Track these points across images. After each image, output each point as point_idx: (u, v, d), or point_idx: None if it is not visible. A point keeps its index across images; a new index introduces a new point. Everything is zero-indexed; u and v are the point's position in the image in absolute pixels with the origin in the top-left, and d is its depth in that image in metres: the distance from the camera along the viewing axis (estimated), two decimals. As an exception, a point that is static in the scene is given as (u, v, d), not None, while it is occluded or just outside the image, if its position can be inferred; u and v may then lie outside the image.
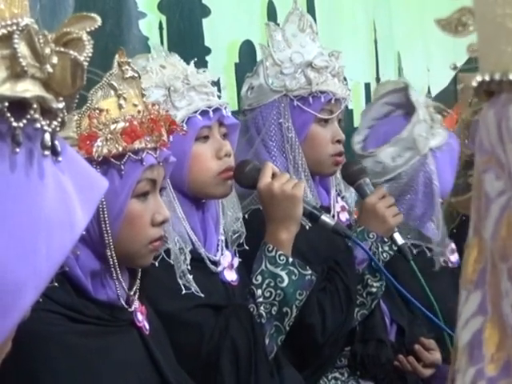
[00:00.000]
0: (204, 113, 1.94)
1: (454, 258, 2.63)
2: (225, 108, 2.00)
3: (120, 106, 1.59)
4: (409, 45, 3.87)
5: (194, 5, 2.84)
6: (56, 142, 0.64)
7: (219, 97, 2.02)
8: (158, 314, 1.80)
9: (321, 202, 2.28)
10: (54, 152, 0.63)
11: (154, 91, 1.92)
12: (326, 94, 2.24)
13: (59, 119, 0.63)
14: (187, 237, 1.93)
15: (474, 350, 0.66)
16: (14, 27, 0.60)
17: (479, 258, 0.68)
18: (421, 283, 2.20)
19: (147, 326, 1.70)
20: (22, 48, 0.60)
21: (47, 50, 0.61)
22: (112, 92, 1.59)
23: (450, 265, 2.61)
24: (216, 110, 1.96)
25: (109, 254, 1.60)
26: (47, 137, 0.62)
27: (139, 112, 1.60)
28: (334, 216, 2.30)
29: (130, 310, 1.66)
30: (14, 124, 0.60)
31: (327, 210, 2.28)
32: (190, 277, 1.89)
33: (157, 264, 1.85)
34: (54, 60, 0.62)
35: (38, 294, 0.66)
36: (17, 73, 0.60)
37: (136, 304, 1.70)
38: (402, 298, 2.32)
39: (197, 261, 1.94)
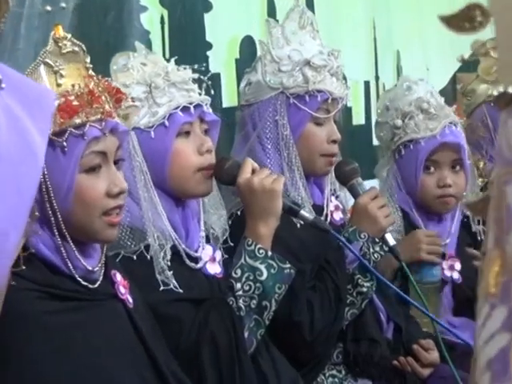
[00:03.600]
0: (185, 109, 1.93)
1: None
2: (206, 104, 1.98)
3: (58, 84, 1.58)
4: (408, 44, 3.90)
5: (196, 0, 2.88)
6: None
7: (200, 94, 1.99)
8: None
9: (314, 201, 2.27)
10: None
11: (135, 88, 1.92)
12: (322, 93, 2.23)
13: None
14: (167, 233, 1.91)
15: (499, 367, 0.65)
16: None
17: (502, 272, 0.68)
18: (412, 284, 2.21)
19: (130, 300, 1.71)
20: None
21: None
22: (48, 70, 1.58)
23: None
24: (197, 106, 1.95)
25: (64, 231, 1.58)
26: None
27: (73, 86, 1.58)
28: (327, 215, 2.30)
29: (105, 283, 1.66)
30: None
31: (321, 209, 2.28)
32: (170, 273, 1.88)
33: (135, 258, 1.86)
34: None
35: (20, 234, 0.65)
36: None
37: (117, 277, 1.71)
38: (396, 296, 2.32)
39: (179, 256, 1.94)
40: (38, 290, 1.54)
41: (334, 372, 2.26)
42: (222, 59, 2.89)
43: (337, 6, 3.34)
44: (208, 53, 2.83)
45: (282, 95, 2.24)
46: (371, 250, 2.19)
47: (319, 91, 2.22)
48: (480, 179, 2.80)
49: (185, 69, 2.02)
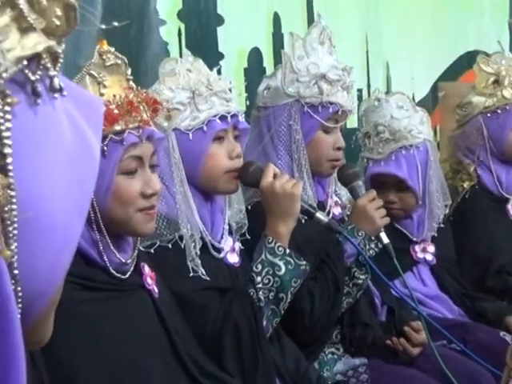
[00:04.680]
0: (223, 117, 1.93)
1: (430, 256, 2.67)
2: (241, 115, 1.99)
3: (100, 93, 1.56)
4: (396, 56, 3.91)
5: (210, 14, 2.85)
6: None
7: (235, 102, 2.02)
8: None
9: (317, 197, 2.26)
10: (60, 89, 0.61)
11: (180, 93, 1.91)
12: (334, 105, 2.22)
13: (61, 60, 0.61)
14: (197, 225, 1.91)
15: None
16: None
17: None
18: (402, 278, 2.25)
19: (156, 290, 1.69)
20: (24, 5, 0.57)
21: (43, 1, 0.59)
22: (92, 80, 1.57)
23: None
24: (233, 115, 1.95)
25: (102, 226, 1.58)
26: (56, 81, 0.61)
27: (115, 96, 1.56)
28: (328, 209, 2.29)
29: (134, 274, 1.64)
30: (33, 78, 0.59)
31: (322, 204, 2.28)
32: (199, 261, 1.88)
33: (170, 246, 1.86)
34: (58, 12, 0.59)
35: (83, 224, 0.66)
36: (24, 29, 0.57)
37: (146, 270, 1.69)
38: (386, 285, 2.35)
39: (205, 246, 1.93)
40: (73, 282, 1.51)
41: (333, 350, 2.27)
42: (232, 68, 2.91)
43: (335, 23, 3.27)
44: (220, 62, 2.81)
45: (297, 103, 2.23)
46: (367, 246, 2.20)
47: (331, 103, 2.22)
48: (467, 182, 2.83)
49: (223, 79, 2.03)
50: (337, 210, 2.34)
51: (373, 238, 2.21)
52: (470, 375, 2.27)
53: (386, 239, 2.21)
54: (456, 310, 2.66)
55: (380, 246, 2.22)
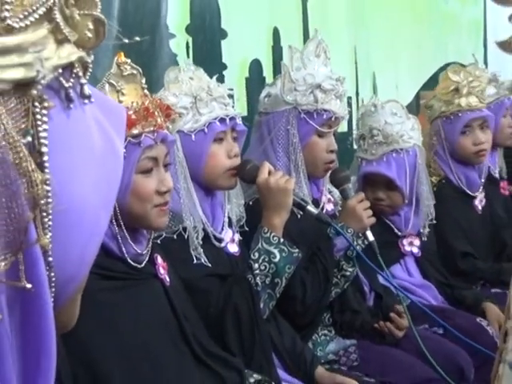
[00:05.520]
0: (222, 120, 1.96)
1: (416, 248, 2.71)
2: (238, 118, 2.02)
3: (119, 101, 1.57)
4: (382, 67, 3.94)
5: (215, 29, 2.88)
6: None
7: (233, 107, 2.04)
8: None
9: (312, 194, 2.31)
10: (89, 96, 0.62)
11: (183, 98, 1.94)
12: (327, 112, 2.25)
13: (90, 69, 0.62)
14: (199, 217, 1.94)
15: None
16: (51, 3, 0.58)
17: None
18: (386, 272, 2.25)
19: (168, 279, 1.71)
20: (60, 19, 0.58)
21: (76, 16, 0.59)
22: (111, 89, 1.59)
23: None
24: (231, 118, 1.98)
25: (121, 221, 1.61)
26: (86, 88, 0.61)
27: (132, 103, 1.58)
28: (321, 205, 2.34)
29: (148, 264, 1.66)
30: (66, 85, 0.59)
31: (317, 201, 2.32)
32: (201, 250, 1.91)
33: (175, 237, 1.89)
34: (90, 26, 0.60)
35: (109, 217, 0.67)
36: (60, 40, 0.58)
37: (159, 260, 1.71)
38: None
39: (207, 237, 1.96)
40: (93, 272, 1.54)
41: (326, 332, 2.31)
42: (234, 78, 2.93)
43: (327, 36, 3.08)
44: (224, 72, 2.86)
45: (294, 110, 2.25)
46: (355, 242, 2.22)
47: (325, 110, 2.25)
48: (435, 177, 2.88)
49: (221, 85, 2.05)
50: (329, 207, 2.38)
51: (360, 235, 2.24)
52: (448, 354, 2.31)
53: (371, 237, 2.24)
54: (439, 298, 2.70)
55: (366, 242, 2.25)
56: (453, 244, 2.86)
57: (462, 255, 2.86)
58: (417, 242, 2.72)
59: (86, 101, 0.61)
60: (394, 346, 2.35)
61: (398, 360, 2.27)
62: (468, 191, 2.95)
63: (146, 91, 1.63)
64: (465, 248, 2.88)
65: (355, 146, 2.82)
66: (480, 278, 2.86)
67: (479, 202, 2.99)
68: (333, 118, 2.28)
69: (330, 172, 2.33)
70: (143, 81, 1.62)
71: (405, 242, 2.70)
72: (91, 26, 0.59)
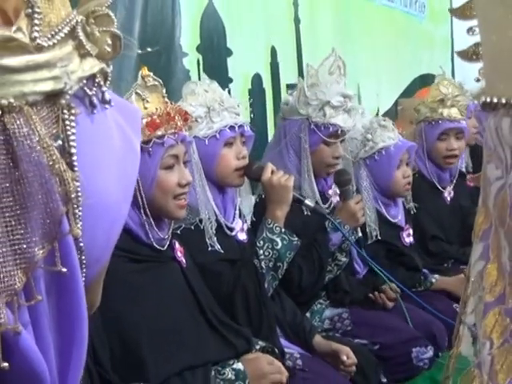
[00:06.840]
0: (231, 127, 2.02)
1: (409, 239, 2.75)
2: (247, 125, 2.07)
3: (145, 107, 1.64)
4: (366, 78, 4.01)
5: (221, 48, 2.98)
6: None
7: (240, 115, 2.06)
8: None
9: (322, 188, 2.40)
10: (109, 101, 0.62)
11: (199, 108, 2.00)
12: (334, 126, 2.33)
13: (109, 78, 0.62)
14: (213, 211, 1.99)
15: (479, 282, 0.69)
16: (74, 22, 0.58)
17: (485, 221, 0.71)
18: (373, 263, 2.36)
19: (184, 261, 1.76)
20: (83, 36, 0.59)
21: (96, 33, 0.60)
22: (137, 98, 1.64)
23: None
24: (240, 126, 2.04)
25: (147, 210, 1.65)
26: (107, 94, 0.62)
27: (157, 109, 1.63)
28: (328, 199, 2.42)
29: (168, 249, 1.70)
30: (90, 93, 0.60)
31: (325, 195, 2.42)
32: (215, 238, 1.97)
33: (193, 228, 1.95)
34: (108, 40, 0.60)
35: (128, 207, 0.67)
36: (82, 55, 0.59)
37: (176, 245, 1.76)
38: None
39: (220, 227, 2.01)
40: (122, 256, 1.57)
41: (321, 301, 2.41)
42: (239, 89, 3.03)
43: (315, 51, 3.39)
44: (230, 85, 2.96)
45: (306, 120, 2.33)
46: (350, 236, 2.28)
47: (332, 124, 2.33)
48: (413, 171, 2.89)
49: (232, 97, 2.11)
50: (335, 199, 2.47)
51: (353, 231, 2.33)
52: (426, 322, 2.45)
53: (360, 233, 2.37)
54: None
55: (357, 237, 2.33)
56: (423, 228, 2.90)
57: (431, 238, 2.92)
58: (411, 231, 2.78)
59: (107, 105, 0.62)
60: (382, 309, 2.45)
61: (386, 323, 2.36)
62: (438, 185, 3.00)
63: (166, 99, 1.69)
64: (434, 232, 2.93)
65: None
66: (448, 258, 2.94)
67: (448, 193, 3.05)
68: (339, 131, 2.36)
69: (334, 173, 2.40)
70: (164, 91, 1.69)
71: (404, 234, 2.74)
72: (109, 41, 0.60)
